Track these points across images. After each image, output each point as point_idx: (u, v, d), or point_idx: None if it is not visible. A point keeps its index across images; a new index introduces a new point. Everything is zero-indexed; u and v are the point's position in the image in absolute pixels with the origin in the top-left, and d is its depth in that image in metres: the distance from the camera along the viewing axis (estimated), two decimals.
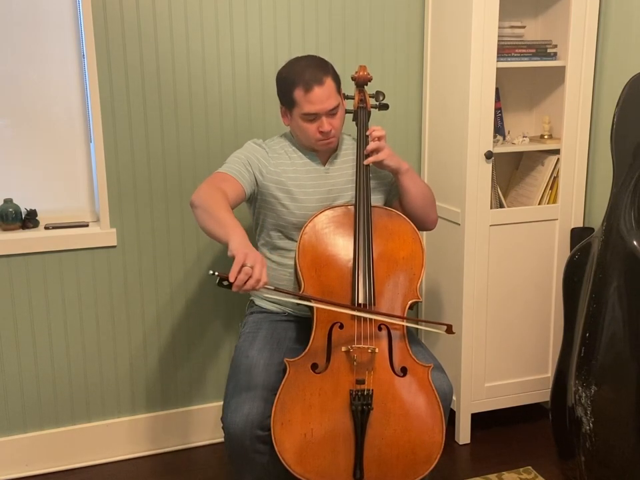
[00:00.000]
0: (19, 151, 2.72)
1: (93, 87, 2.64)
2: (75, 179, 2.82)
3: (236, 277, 1.91)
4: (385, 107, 2.45)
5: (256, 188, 2.35)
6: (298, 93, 2.26)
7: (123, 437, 2.92)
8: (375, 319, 2.16)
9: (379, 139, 2.32)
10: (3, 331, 2.72)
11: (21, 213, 2.72)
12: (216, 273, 1.93)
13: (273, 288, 2.04)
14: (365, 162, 2.31)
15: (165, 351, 2.93)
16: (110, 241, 2.77)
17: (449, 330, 2.21)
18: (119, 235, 2.78)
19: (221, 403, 2.22)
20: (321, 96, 2.24)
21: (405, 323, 2.19)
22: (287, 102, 2.32)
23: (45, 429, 2.84)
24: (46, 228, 2.74)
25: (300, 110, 2.28)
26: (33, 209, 2.74)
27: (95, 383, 2.87)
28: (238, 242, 1.98)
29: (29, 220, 2.73)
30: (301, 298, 2.19)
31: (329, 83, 2.27)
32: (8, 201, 2.71)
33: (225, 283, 1.93)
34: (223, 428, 2.15)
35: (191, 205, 2.19)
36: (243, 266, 1.92)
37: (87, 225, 2.79)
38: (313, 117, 2.28)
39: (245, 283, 1.92)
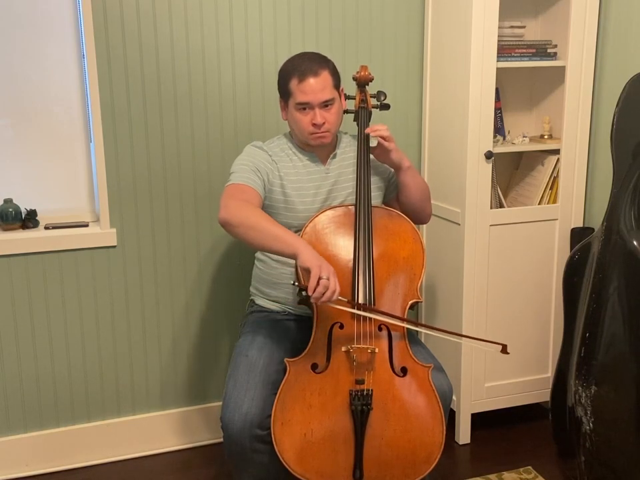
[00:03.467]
0: (19, 151, 2.73)
1: (92, 87, 2.64)
2: (75, 179, 2.82)
3: (314, 289, 1.98)
4: (386, 107, 2.45)
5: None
6: (293, 83, 2.29)
7: (122, 437, 2.92)
8: (375, 319, 2.16)
9: (385, 138, 2.32)
10: (3, 330, 2.72)
11: (20, 212, 2.72)
12: (296, 284, 2.06)
13: (346, 300, 2.09)
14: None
15: (165, 351, 2.93)
16: (110, 241, 2.77)
17: (504, 350, 2.23)
18: (119, 235, 2.78)
19: (221, 402, 2.22)
20: (315, 86, 2.26)
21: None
22: (284, 93, 2.34)
23: (45, 429, 2.84)
24: (46, 228, 2.74)
25: (294, 100, 2.30)
26: (33, 209, 2.74)
27: (95, 383, 2.87)
28: (309, 254, 2.03)
29: (29, 220, 2.73)
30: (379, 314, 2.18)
31: (325, 75, 2.28)
32: (8, 201, 2.71)
33: (304, 294, 2.04)
34: (222, 427, 2.15)
35: (226, 224, 2.14)
36: (320, 278, 1.98)
37: (87, 225, 2.79)
38: (305, 107, 2.29)
39: (323, 294, 1.99)
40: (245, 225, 2.12)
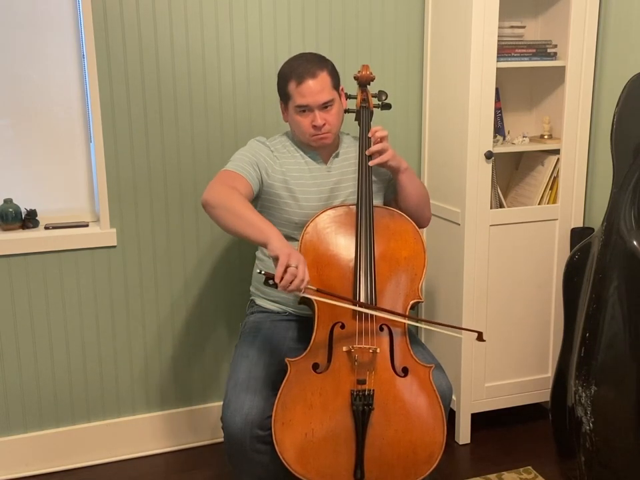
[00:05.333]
0: (19, 151, 2.72)
1: (92, 87, 2.64)
2: (75, 179, 2.82)
3: (282, 278, 1.95)
4: (387, 106, 2.44)
5: (261, 187, 2.35)
6: (291, 86, 2.29)
7: (122, 437, 2.92)
8: (377, 318, 2.16)
9: (382, 139, 2.32)
10: (3, 330, 2.72)
11: (20, 213, 2.72)
12: (263, 272, 1.99)
13: (315, 289, 2.06)
14: (371, 163, 2.31)
15: (165, 351, 2.93)
16: (110, 241, 2.77)
17: (480, 338, 2.21)
18: (119, 235, 2.78)
19: (221, 402, 2.22)
20: (313, 88, 2.26)
21: (426, 326, 2.19)
22: (283, 96, 2.35)
23: (45, 429, 2.83)
24: (46, 228, 2.74)
25: (293, 103, 2.30)
26: (33, 209, 2.74)
27: (95, 383, 2.87)
28: (279, 242, 2.01)
29: (29, 220, 2.73)
30: (347, 302, 2.17)
31: (323, 77, 2.28)
32: (8, 201, 2.71)
33: (271, 282, 1.97)
34: (222, 428, 2.15)
35: (205, 205, 2.17)
36: (287, 267, 1.95)
37: (87, 225, 2.79)
38: (305, 110, 2.29)
39: (291, 283, 1.96)
40: (222, 207, 2.13)
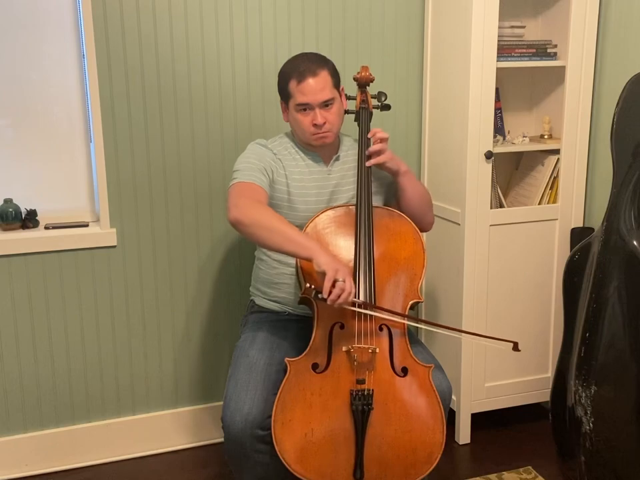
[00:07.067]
0: (19, 151, 2.72)
1: (92, 87, 2.64)
2: (75, 179, 2.82)
3: (330, 291, 1.99)
4: (387, 107, 2.45)
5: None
6: (292, 84, 2.29)
7: (122, 437, 2.92)
8: (376, 318, 2.16)
9: (382, 140, 2.32)
10: (3, 330, 2.72)
11: (20, 213, 2.72)
12: (312, 286, 2.04)
13: (361, 301, 2.11)
14: (367, 164, 2.31)
15: (165, 351, 2.93)
16: (110, 241, 2.77)
17: (516, 348, 2.25)
18: (119, 235, 2.78)
19: (221, 402, 2.22)
20: (314, 87, 2.26)
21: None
22: (284, 95, 2.35)
23: (45, 429, 2.84)
24: (46, 228, 2.74)
25: (294, 101, 2.30)
26: (33, 209, 2.74)
27: (95, 383, 2.87)
28: (323, 256, 2.03)
29: (28, 220, 2.73)
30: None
31: (324, 75, 2.28)
32: (8, 201, 2.71)
33: (320, 296, 2.03)
34: (222, 428, 2.15)
35: (237, 223, 2.12)
36: (335, 281, 1.99)
37: (87, 225, 2.79)
38: (306, 108, 2.29)
39: (339, 297, 2.00)
40: (257, 225, 2.11)
